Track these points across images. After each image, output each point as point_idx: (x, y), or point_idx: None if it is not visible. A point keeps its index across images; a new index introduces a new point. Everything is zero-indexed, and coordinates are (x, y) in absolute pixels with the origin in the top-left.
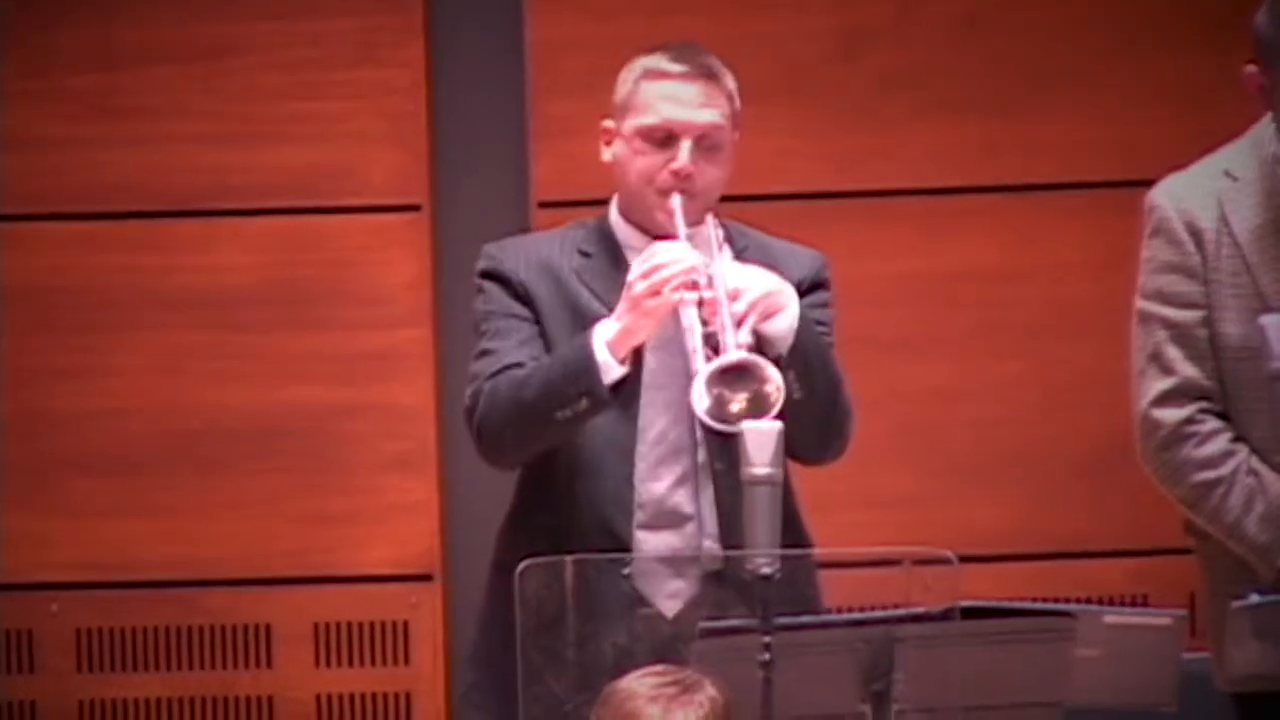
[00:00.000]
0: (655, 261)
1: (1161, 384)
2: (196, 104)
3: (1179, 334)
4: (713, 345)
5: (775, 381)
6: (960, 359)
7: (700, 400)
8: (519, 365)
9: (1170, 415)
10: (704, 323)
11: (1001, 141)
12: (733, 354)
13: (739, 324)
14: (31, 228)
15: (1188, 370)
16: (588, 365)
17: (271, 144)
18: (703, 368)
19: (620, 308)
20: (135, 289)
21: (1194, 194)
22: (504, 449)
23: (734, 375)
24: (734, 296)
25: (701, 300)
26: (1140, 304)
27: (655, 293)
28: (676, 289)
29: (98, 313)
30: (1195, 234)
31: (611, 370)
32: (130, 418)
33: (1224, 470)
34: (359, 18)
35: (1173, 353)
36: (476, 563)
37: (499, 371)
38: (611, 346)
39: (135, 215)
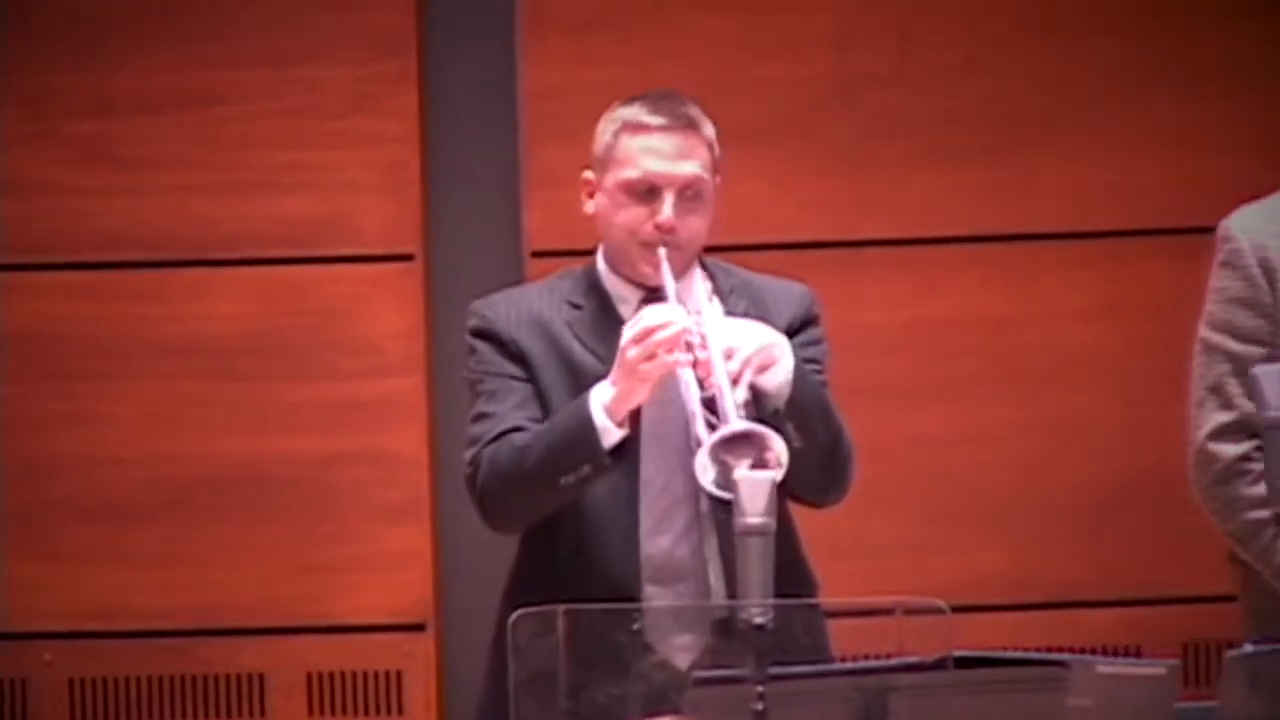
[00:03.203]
0: (647, 325)
1: (1220, 417)
2: (191, 153)
3: (1242, 368)
4: (711, 407)
5: (777, 448)
6: (956, 407)
7: (705, 472)
8: (518, 429)
9: (1227, 450)
10: (700, 383)
11: (997, 189)
12: (734, 424)
13: (735, 382)
14: (25, 276)
15: (1248, 405)
16: (587, 431)
17: (265, 193)
18: (704, 437)
19: (615, 373)
20: (129, 337)
21: (1269, 229)
22: (508, 516)
23: (736, 442)
24: (728, 355)
25: (696, 361)
26: (1204, 334)
27: (649, 357)
28: (670, 351)
29: (91, 361)
30: (1268, 271)
31: (611, 434)
32: (123, 466)
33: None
34: (353, 67)
35: (1234, 386)
36: (470, 612)
37: (498, 437)
38: (609, 410)
39: (129, 264)
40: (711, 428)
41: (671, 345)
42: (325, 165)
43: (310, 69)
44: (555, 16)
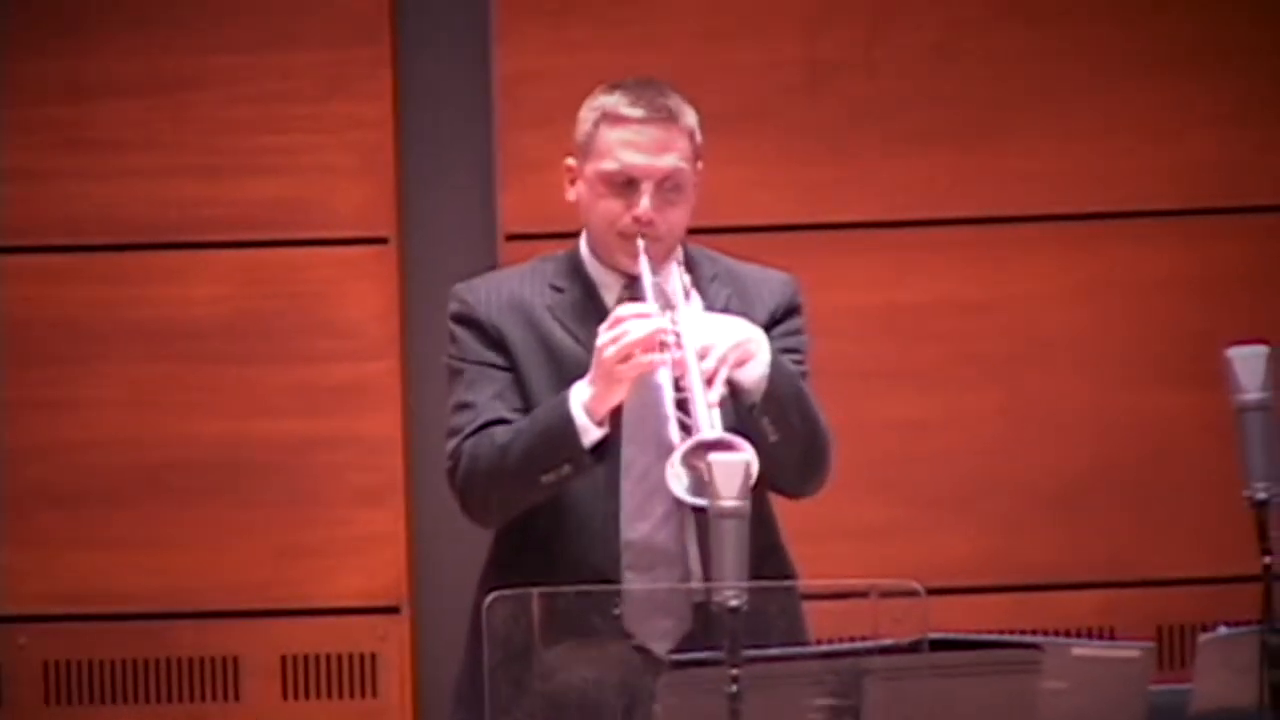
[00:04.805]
0: (622, 326)
1: None
2: (165, 136)
3: None
4: (685, 409)
5: (748, 455)
6: (930, 390)
7: (677, 481)
8: (498, 421)
9: None
10: (676, 383)
11: (971, 173)
12: (705, 432)
13: (709, 381)
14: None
15: None
16: (568, 431)
17: (240, 176)
18: (677, 443)
19: (592, 373)
20: (104, 321)
21: None
22: (489, 510)
23: (709, 447)
24: (703, 354)
25: (671, 360)
26: None
27: (625, 358)
28: (646, 351)
29: (67, 344)
30: None
31: (590, 433)
32: (99, 449)
33: None
34: (328, 51)
35: None
36: (444, 595)
37: (478, 430)
38: (589, 410)
39: (104, 248)
40: (685, 429)
41: (647, 346)
42: (300, 149)
43: (285, 53)
44: (531, 1)
